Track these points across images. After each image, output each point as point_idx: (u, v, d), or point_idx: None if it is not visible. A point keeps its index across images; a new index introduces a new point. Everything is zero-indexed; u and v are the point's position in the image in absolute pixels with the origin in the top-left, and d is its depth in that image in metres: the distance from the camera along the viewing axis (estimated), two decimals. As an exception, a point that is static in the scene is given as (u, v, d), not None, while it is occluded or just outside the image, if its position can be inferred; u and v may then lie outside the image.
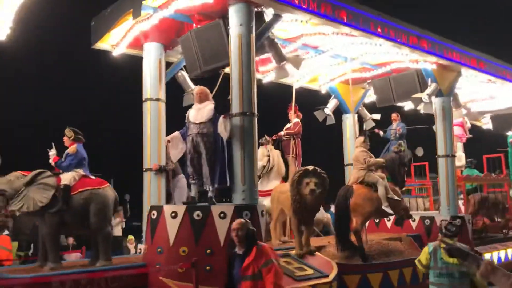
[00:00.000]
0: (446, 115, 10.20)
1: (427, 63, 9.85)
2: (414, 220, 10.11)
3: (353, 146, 11.67)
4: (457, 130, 13.03)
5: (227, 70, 7.17)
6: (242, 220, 4.63)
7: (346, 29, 7.94)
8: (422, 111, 10.36)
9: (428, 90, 9.90)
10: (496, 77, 11.43)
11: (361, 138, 8.78)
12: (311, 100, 12.36)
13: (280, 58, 7.35)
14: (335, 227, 8.36)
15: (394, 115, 11.48)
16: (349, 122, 11.94)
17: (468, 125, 13.32)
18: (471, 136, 13.31)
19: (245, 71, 6.59)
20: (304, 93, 12.05)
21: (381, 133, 11.57)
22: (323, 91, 11.92)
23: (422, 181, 13.07)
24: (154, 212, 6.28)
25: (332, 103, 11.76)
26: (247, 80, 6.58)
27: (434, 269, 5.75)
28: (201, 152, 6.44)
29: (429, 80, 10.03)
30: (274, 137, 10.38)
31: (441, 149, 10.16)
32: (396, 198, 8.47)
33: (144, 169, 8.01)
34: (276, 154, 9.69)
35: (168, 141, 6.69)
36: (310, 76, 11.06)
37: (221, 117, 6.41)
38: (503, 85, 12.30)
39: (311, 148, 10.74)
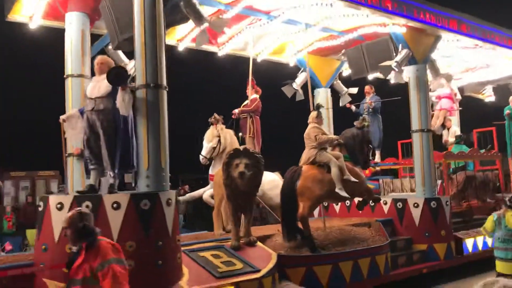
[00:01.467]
0: (421, 85, 9.05)
1: (396, 26, 8.73)
2: (386, 203, 9.10)
3: (325, 123, 10.69)
4: (446, 103, 11.89)
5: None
6: (71, 214, 3.70)
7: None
8: (392, 81, 9.24)
9: (398, 57, 8.77)
10: (484, 40, 10.17)
11: (314, 113, 7.74)
12: (283, 74, 11.30)
13: (199, 20, 6.34)
14: (281, 214, 7.41)
15: (367, 88, 10.35)
16: (321, 97, 10.89)
17: (458, 96, 12.09)
18: (461, 108, 12.08)
19: (148, 36, 5.62)
20: (272, 67, 11.04)
21: (353, 108, 10.47)
22: (291, 64, 10.87)
23: (409, 160, 11.94)
24: (41, 203, 5.44)
25: (301, 77, 10.68)
26: (151, 46, 5.62)
27: (499, 235, 6.66)
28: (99, 132, 5.54)
29: (400, 45, 8.88)
30: (233, 117, 9.44)
31: (415, 123, 9.05)
32: (353, 179, 7.44)
33: (66, 154, 7.17)
34: (228, 134, 8.71)
35: (64, 120, 5.80)
36: (272, 47, 9.99)
37: (119, 89, 5.47)
38: (495, 50, 11.04)
39: (281, 126, 9.72)
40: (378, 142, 9.94)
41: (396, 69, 8.75)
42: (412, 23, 8.64)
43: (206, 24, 6.45)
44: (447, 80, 10.08)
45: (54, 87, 8.02)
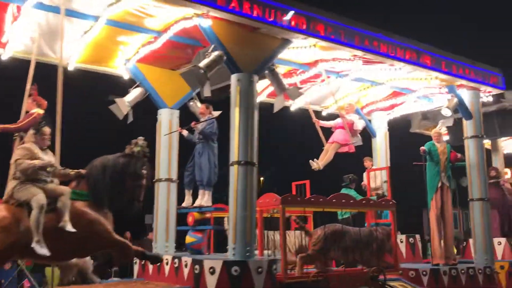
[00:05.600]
0: (242, 101, 6.51)
1: (200, 18, 6.36)
2: (186, 265, 6.46)
3: (167, 154, 8.28)
4: (338, 135, 9.21)
5: None
6: None
7: None
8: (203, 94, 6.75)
9: (205, 61, 6.31)
10: (362, 49, 7.60)
11: (31, 131, 5.38)
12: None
13: None
14: None
15: (202, 108, 7.83)
16: (164, 120, 8.49)
17: (358, 127, 9.34)
18: (361, 144, 9.32)
19: None
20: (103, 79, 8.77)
21: (185, 133, 7.94)
22: (126, 77, 8.56)
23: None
24: None
25: (134, 93, 8.35)
26: None
27: None
28: None
29: (212, 46, 6.45)
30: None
31: (233, 153, 6.47)
32: (69, 228, 4.92)
33: None
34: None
35: None
36: (79, 51, 7.67)
37: None
38: (396, 67, 8.48)
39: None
40: (207, 179, 7.36)
41: (201, 77, 6.28)
42: (219, 13, 6.24)
43: None
44: (292, 96, 7.47)
45: None
